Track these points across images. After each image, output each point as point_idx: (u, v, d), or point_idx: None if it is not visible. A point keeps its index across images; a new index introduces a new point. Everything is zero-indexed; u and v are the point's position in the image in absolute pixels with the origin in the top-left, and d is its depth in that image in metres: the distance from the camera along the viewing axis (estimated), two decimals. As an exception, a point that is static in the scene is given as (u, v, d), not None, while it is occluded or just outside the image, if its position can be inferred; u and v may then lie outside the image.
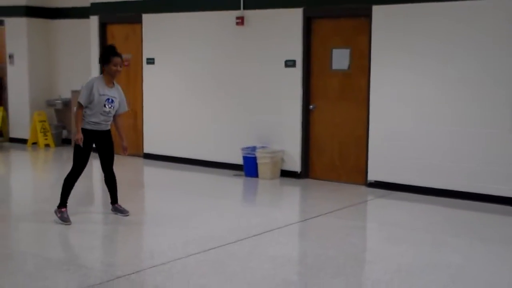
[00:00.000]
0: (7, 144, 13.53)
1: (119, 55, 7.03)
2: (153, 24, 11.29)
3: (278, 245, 6.30)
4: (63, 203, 6.96)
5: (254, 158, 9.75)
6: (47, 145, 13.07)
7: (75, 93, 11.72)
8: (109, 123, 7.11)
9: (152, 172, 10.87)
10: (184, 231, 6.71)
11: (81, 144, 6.82)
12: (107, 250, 6.41)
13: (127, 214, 7.28)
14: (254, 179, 9.74)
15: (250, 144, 10.05)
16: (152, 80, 11.43)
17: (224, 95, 10.50)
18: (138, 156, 11.71)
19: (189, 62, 10.89)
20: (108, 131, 7.14)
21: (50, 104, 13.16)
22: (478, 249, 6.33)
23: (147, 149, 11.57)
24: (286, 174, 9.84)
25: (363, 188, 9.11)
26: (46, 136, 13.06)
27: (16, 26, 13.28)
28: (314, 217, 7.50)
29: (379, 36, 8.89)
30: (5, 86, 13.70)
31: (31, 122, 13.15)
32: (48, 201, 7.50)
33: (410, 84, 8.69)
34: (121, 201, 7.44)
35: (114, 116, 7.13)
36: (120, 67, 7.02)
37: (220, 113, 10.56)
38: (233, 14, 10.21)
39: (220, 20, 10.42)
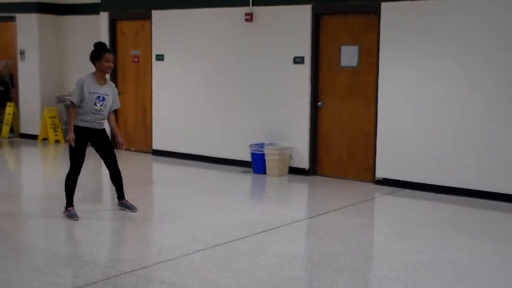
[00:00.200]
0: (17, 139, 13.62)
1: (110, 51, 7.05)
2: (163, 21, 11.33)
3: (285, 242, 6.33)
4: (69, 203, 7.03)
5: (262, 155, 9.77)
6: (57, 141, 13.14)
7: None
8: (103, 121, 7.06)
9: (161, 169, 10.91)
10: (191, 227, 6.75)
11: (73, 144, 6.83)
12: (114, 246, 6.46)
13: (135, 210, 7.31)
14: (262, 175, 9.77)
15: (258, 141, 10.08)
16: (161, 77, 11.47)
17: (232, 92, 10.52)
18: (147, 152, 11.76)
19: (198, 58, 10.92)
20: (103, 130, 7.10)
21: (60, 100, 13.22)
22: (484, 246, 6.34)
23: (156, 145, 11.61)
24: (294, 171, 9.86)
25: (371, 185, 9.12)
26: (56, 132, 13.14)
27: (27, 22, 13.36)
28: (321, 214, 7.52)
29: (387, 33, 8.88)
30: (16, 82, 13.78)
31: (41, 118, 13.24)
32: (57, 197, 7.56)
33: (418, 81, 8.69)
34: (129, 197, 7.48)
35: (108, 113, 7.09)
36: (112, 63, 7.00)
37: (228, 110, 10.59)
38: (242, 10, 10.23)
39: (229, 16, 10.45)
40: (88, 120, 6.91)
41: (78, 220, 6.88)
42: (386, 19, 8.88)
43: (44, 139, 13.19)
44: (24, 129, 13.78)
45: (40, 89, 13.32)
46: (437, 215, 7.57)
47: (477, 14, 8.20)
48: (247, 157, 10.09)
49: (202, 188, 9.02)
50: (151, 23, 11.50)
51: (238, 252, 5.92)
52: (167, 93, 11.42)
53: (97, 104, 6.88)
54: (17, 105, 13.78)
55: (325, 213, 7.55)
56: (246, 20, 10.17)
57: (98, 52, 6.97)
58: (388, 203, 8.30)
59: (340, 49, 9.49)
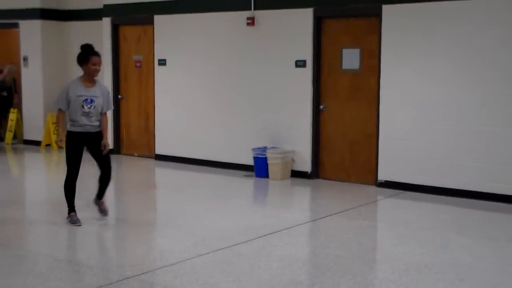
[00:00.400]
0: (21, 146, 13.65)
1: (97, 54, 6.91)
2: (165, 25, 11.36)
3: (287, 245, 6.34)
4: (70, 208, 7.02)
5: (265, 159, 9.78)
6: (60, 147, 13.14)
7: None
8: (96, 124, 6.92)
9: (163, 173, 10.94)
10: (193, 232, 6.76)
11: (62, 146, 6.81)
12: (117, 251, 6.48)
13: (105, 215, 7.18)
14: (264, 179, 9.78)
15: (261, 144, 10.09)
16: (164, 81, 11.49)
17: (234, 96, 10.54)
18: (150, 157, 11.79)
19: (201, 63, 10.95)
20: (98, 133, 6.95)
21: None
22: (486, 247, 6.33)
23: (159, 150, 11.64)
24: (296, 174, 9.87)
25: (373, 188, 9.12)
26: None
27: (31, 28, 13.40)
28: (324, 217, 7.53)
29: (389, 36, 8.89)
30: (19, 88, 13.82)
31: (44, 124, 13.27)
32: (60, 203, 7.56)
33: (420, 83, 8.69)
34: (131, 202, 7.49)
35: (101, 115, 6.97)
36: (99, 66, 6.87)
37: (230, 114, 10.61)
38: (243, 14, 10.25)
39: (231, 20, 10.47)
40: (80, 125, 6.82)
41: (80, 225, 6.89)
42: (387, 22, 8.90)
43: (48, 145, 13.22)
44: (27, 135, 13.81)
45: (43, 95, 13.36)
46: (439, 217, 7.58)
47: (478, 16, 8.21)
48: (250, 161, 10.11)
49: (205, 192, 9.04)
50: (153, 28, 11.53)
51: (240, 256, 5.93)
52: (169, 98, 11.44)
53: (85, 106, 6.78)
54: (20, 111, 13.82)
55: (327, 216, 7.56)
56: (248, 24, 10.20)
57: (85, 56, 6.87)
58: (390, 206, 8.31)
59: (341, 52, 9.50)
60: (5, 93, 13.55)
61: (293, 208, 8.44)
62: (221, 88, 10.71)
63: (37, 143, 13.46)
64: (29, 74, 13.60)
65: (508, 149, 8.10)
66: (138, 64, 11.99)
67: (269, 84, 10.11)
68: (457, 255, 6.01)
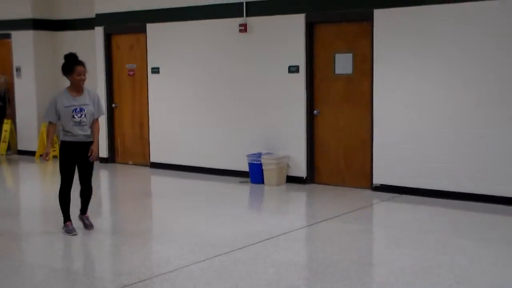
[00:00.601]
0: (15, 156, 13.63)
1: (81, 63, 6.82)
2: (157, 34, 11.36)
3: (283, 251, 6.34)
4: (66, 218, 7.00)
5: (260, 165, 9.78)
6: (55, 157, 13.05)
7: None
8: (89, 133, 6.89)
9: (159, 181, 10.92)
10: (190, 239, 6.74)
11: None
12: (113, 259, 6.45)
13: (91, 229, 7.09)
14: (260, 185, 9.78)
15: (256, 150, 10.09)
16: (157, 89, 11.49)
17: (228, 103, 10.55)
18: (145, 165, 11.77)
19: (194, 70, 10.96)
20: (91, 143, 6.90)
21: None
22: (483, 250, 6.33)
23: (154, 158, 11.62)
24: (291, 179, 9.87)
25: (369, 192, 9.13)
26: (54, 148, 13.10)
27: (23, 39, 13.39)
28: (320, 221, 7.53)
29: (381, 40, 8.92)
30: (12, 99, 13.80)
31: (38, 134, 13.24)
32: (55, 213, 7.54)
33: (413, 87, 8.72)
34: (127, 210, 7.48)
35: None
36: (84, 75, 6.80)
37: (225, 121, 10.61)
38: (236, 21, 10.27)
39: (224, 27, 10.48)
40: (74, 135, 6.79)
41: (76, 235, 6.87)
42: (379, 26, 8.92)
43: (42, 155, 13.17)
44: (21, 146, 13.78)
45: (36, 105, 13.33)
46: (436, 220, 7.58)
47: (471, 18, 8.24)
48: (245, 167, 10.10)
49: (200, 199, 9.03)
50: (146, 37, 11.54)
51: (237, 262, 5.92)
52: (163, 106, 11.44)
53: (75, 116, 6.75)
54: (14, 122, 13.79)
55: (324, 220, 7.56)
56: (240, 31, 10.21)
57: (69, 66, 6.82)
58: (386, 209, 8.31)
59: (334, 57, 9.52)
60: (0, 103, 13.53)
61: (289, 213, 8.44)
62: (215, 95, 10.71)
63: (31, 153, 13.43)
64: (22, 85, 13.57)
65: (503, 151, 8.11)
66: (131, 73, 11.99)
67: (262, 90, 10.12)
68: (454, 257, 6.01)
